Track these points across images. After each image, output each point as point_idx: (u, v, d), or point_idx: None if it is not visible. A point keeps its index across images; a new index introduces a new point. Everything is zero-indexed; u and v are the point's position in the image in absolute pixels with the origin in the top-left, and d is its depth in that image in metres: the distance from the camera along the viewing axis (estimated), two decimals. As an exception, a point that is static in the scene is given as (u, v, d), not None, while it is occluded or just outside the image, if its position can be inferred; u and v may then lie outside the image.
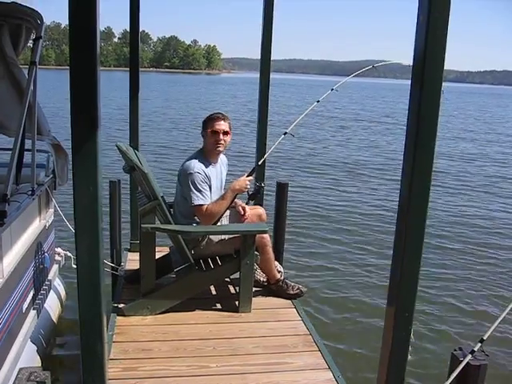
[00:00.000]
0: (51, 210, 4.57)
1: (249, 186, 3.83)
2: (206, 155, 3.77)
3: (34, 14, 3.83)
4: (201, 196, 3.62)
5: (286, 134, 4.28)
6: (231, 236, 3.75)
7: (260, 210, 4.15)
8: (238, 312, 3.77)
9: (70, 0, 1.61)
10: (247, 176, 3.88)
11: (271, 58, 4.60)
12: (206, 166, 3.70)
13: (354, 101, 45.16)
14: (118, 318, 3.60)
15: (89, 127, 1.71)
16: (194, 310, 3.76)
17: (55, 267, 4.64)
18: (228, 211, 3.89)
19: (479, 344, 1.89)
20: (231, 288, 4.18)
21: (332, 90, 4.33)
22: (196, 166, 3.63)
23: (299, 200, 9.71)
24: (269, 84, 4.70)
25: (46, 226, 4.28)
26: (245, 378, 2.95)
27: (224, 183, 3.98)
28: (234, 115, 25.31)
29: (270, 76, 4.68)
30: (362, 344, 4.79)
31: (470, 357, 1.86)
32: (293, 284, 4.12)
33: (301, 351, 3.30)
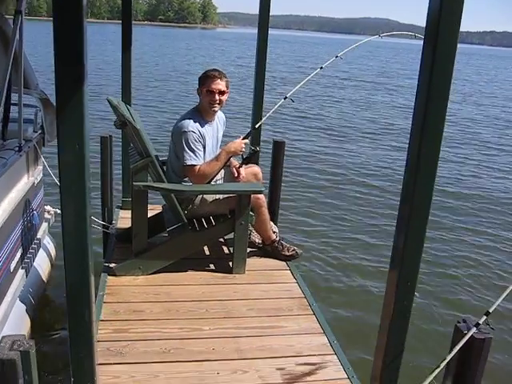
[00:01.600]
0: (40, 167, 4.44)
1: (244, 149, 3.72)
2: (202, 113, 3.62)
3: None
4: (193, 156, 3.49)
5: (285, 98, 4.08)
6: (226, 196, 3.65)
7: (256, 168, 4.02)
8: (231, 273, 3.69)
9: None
10: (243, 139, 3.74)
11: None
12: (202, 125, 3.55)
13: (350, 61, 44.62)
14: (108, 277, 3.52)
15: (74, 82, 1.57)
16: (186, 271, 3.68)
17: (45, 225, 4.53)
18: (223, 170, 3.78)
19: (484, 317, 1.81)
20: (225, 249, 4.09)
21: (336, 57, 4.12)
22: (190, 124, 3.48)
23: (296, 160, 9.54)
24: (267, 40, 4.49)
25: (34, 183, 4.15)
26: (238, 342, 2.89)
27: (220, 142, 3.84)
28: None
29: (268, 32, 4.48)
30: (358, 309, 4.76)
31: (474, 330, 1.79)
32: (288, 245, 4.05)
33: (295, 315, 3.24)
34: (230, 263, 3.78)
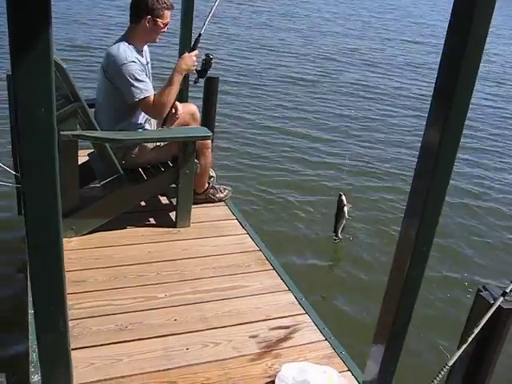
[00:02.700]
0: None
1: (196, 62, 3.25)
2: (136, 41, 3.11)
3: None
4: (144, 88, 3.00)
5: (200, 35, 3.43)
6: (167, 142, 3.24)
7: (192, 107, 3.61)
8: (175, 227, 3.35)
9: None
10: (191, 51, 3.26)
11: None
12: (137, 53, 3.10)
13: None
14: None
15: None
16: (125, 228, 3.28)
17: None
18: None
19: None
20: (163, 199, 3.71)
21: None
22: (129, 54, 2.99)
23: (233, 99, 8.72)
24: None
25: None
26: (201, 309, 2.61)
27: (150, 75, 3.37)
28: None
29: None
30: (316, 257, 4.49)
31: (501, 299, 1.62)
32: (218, 186, 3.79)
33: (255, 271, 3.00)
34: (172, 215, 3.44)
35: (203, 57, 3.42)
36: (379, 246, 4.72)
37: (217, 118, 4.34)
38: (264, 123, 7.72)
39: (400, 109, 9.31)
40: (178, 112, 3.34)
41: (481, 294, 1.69)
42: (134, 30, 3.11)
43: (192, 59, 3.19)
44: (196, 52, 3.24)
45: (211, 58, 3.41)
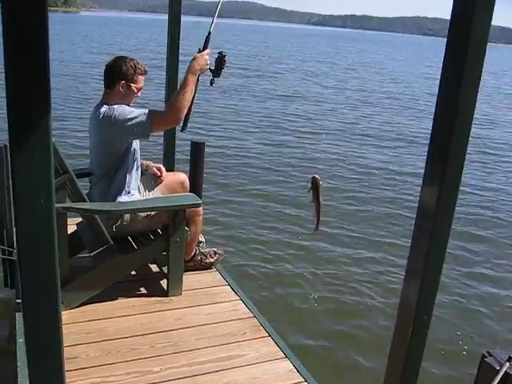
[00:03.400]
0: None
1: (209, 61, 3.14)
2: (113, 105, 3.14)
3: None
4: (140, 112, 3.01)
5: None
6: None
7: (181, 175, 3.63)
8: (167, 296, 3.30)
9: None
10: (202, 50, 3.15)
11: None
12: None
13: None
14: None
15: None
16: (116, 299, 3.22)
17: None
18: (140, 177, 3.34)
19: (519, 351, 1.63)
20: (153, 267, 3.67)
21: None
22: (114, 104, 3.07)
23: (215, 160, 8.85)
24: (179, 25, 3.98)
25: None
26: (197, 382, 2.54)
27: None
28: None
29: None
30: (311, 323, 4.47)
31: (507, 365, 1.60)
32: (207, 250, 3.76)
33: (250, 339, 2.94)
34: (163, 284, 3.40)
35: (218, 53, 3.29)
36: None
37: (204, 180, 4.37)
38: (252, 186, 7.79)
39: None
40: (163, 174, 3.39)
41: (486, 359, 1.67)
42: (109, 95, 3.15)
43: (204, 58, 3.10)
44: (208, 51, 3.15)
45: (224, 55, 3.27)
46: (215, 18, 3.28)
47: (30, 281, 1.42)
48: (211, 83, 3.32)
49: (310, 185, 2.39)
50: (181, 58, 3.93)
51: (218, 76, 3.29)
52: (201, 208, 3.42)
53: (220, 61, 3.26)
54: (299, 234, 6.13)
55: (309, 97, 17.05)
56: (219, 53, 3.27)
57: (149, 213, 3.22)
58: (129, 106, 3.17)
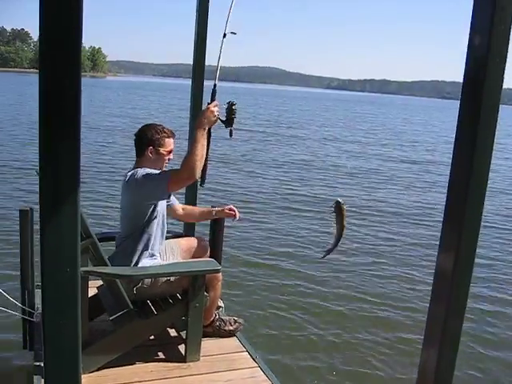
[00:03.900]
0: None
1: (217, 113, 3.11)
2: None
3: None
4: (162, 174, 3.11)
5: (225, 36, 3.33)
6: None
7: (203, 241, 3.70)
8: (185, 362, 3.28)
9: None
10: (210, 103, 3.15)
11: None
12: None
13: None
14: (43, 381, 2.97)
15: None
16: (134, 364, 3.21)
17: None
18: (164, 241, 3.39)
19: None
20: (171, 331, 3.67)
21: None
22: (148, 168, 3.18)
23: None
24: (202, 91, 4.13)
25: None
26: None
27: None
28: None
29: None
30: None
31: None
32: (228, 318, 3.73)
33: (269, 408, 2.90)
34: (181, 349, 3.38)
35: (227, 103, 3.31)
36: None
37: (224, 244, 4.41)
38: (271, 250, 7.81)
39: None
40: (237, 213, 3.60)
41: None
42: (140, 162, 3.25)
43: (211, 110, 3.07)
44: (214, 103, 3.13)
45: (233, 104, 3.27)
46: (218, 67, 3.36)
47: (53, 345, 1.46)
48: (230, 134, 3.30)
49: (333, 208, 2.43)
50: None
51: (231, 125, 3.28)
52: (220, 274, 3.45)
53: (230, 110, 3.26)
54: (321, 298, 6.11)
55: (327, 162, 17.16)
56: (228, 102, 3.29)
57: (169, 278, 3.25)
58: (162, 169, 3.24)
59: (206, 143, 3.07)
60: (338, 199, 2.44)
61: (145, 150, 3.24)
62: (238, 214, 3.61)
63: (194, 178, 3.09)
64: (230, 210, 3.61)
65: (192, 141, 3.08)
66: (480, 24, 1.44)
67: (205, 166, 3.12)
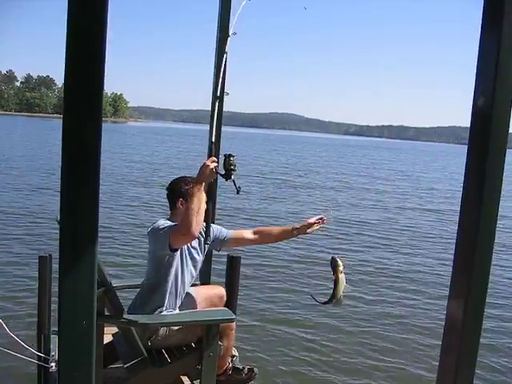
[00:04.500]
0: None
1: (213, 167, 3.03)
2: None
3: None
4: (173, 226, 3.08)
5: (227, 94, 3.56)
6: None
7: (222, 290, 3.64)
8: (198, 412, 3.26)
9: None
10: (208, 158, 3.18)
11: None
12: None
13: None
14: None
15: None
16: (147, 413, 3.21)
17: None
18: (183, 294, 3.38)
19: None
20: (184, 379, 3.65)
21: None
22: (167, 222, 3.19)
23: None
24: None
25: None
26: None
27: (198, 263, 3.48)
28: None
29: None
30: None
31: None
32: (242, 366, 3.70)
33: None
34: (193, 398, 3.36)
35: (225, 155, 3.22)
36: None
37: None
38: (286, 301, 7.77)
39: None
40: (325, 221, 3.43)
41: None
42: (173, 216, 3.31)
43: (207, 165, 3.02)
44: (211, 159, 3.09)
45: (231, 156, 3.17)
46: (214, 127, 3.38)
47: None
48: (237, 191, 3.22)
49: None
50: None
51: (230, 178, 3.18)
52: (233, 323, 3.44)
53: (225, 163, 3.18)
54: (336, 351, 6.04)
55: (344, 211, 17.00)
56: (224, 155, 3.22)
57: (183, 327, 3.26)
58: None
59: (203, 198, 2.99)
60: (334, 256, 2.87)
61: (176, 202, 3.30)
62: (323, 220, 3.42)
63: (191, 235, 2.96)
64: (315, 223, 3.40)
65: (189, 197, 3.07)
66: (485, 73, 1.48)
67: (206, 220, 3.08)
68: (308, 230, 3.44)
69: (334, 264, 2.84)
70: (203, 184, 3.01)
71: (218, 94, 3.58)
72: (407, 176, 34.94)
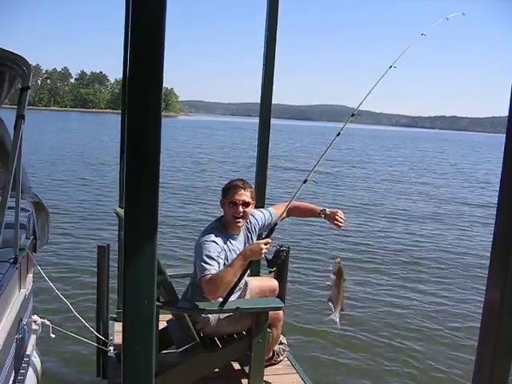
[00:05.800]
0: (30, 276, 4.13)
1: (265, 250, 3.08)
2: (225, 226, 3.37)
3: (19, 61, 3.25)
4: (207, 266, 3.10)
5: (306, 181, 3.46)
6: (243, 313, 3.40)
7: (274, 283, 3.76)
8: (249, 396, 3.40)
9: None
10: (264, 237, 3.26)
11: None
12: (225, 240, 3.28)
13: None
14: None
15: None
16: (198, 396, 3.36)
17: (33, 339, 4.14)
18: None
19: None
20: (234, 365, 3.80)
21: (338, 134, 3.78)
22: (211, 237, 3.21)
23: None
24: (269, 130, 4.38)
25: (26, 295, 3.83)
26: None
27: None
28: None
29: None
30: None
31: None
32: (278, 350, 3.87)
33: None
34: (244, 382, 3.50)
35: (278, 246, 3.33)
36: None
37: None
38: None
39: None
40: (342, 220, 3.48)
41: None
42: (223, 214, 3.42)
43: (259, 247, 3.08)
44: (266, 240, 3.15)
45: (283, 251, 3.30)
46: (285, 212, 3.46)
47: (131, 374, 1.62)
48: (270, 272, 3.41)
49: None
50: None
51: (273, 267, 3.35)
52: (282, 313, 3.56)
53: (277, 254, 3.30)
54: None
55: (396, 213, 16.25)
56: (279, 246, 3.33)
57: (233, 316, 3.36)
58: (235, 224, 3.33)
59: (240, 273, 3.10)
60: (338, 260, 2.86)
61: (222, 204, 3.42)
62: (342, 225, 3.47)
63: (213, 296, 3.12)
64: (338, 219, 3.46)
65: (230, 264, 3.15)
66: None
67: (230, 291, 3.14)
68: (331, 221, 3.49)
69: (340, 273, 2.83)
70: (247, 260, 3.11)
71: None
72: (461, 172, 33.87)
